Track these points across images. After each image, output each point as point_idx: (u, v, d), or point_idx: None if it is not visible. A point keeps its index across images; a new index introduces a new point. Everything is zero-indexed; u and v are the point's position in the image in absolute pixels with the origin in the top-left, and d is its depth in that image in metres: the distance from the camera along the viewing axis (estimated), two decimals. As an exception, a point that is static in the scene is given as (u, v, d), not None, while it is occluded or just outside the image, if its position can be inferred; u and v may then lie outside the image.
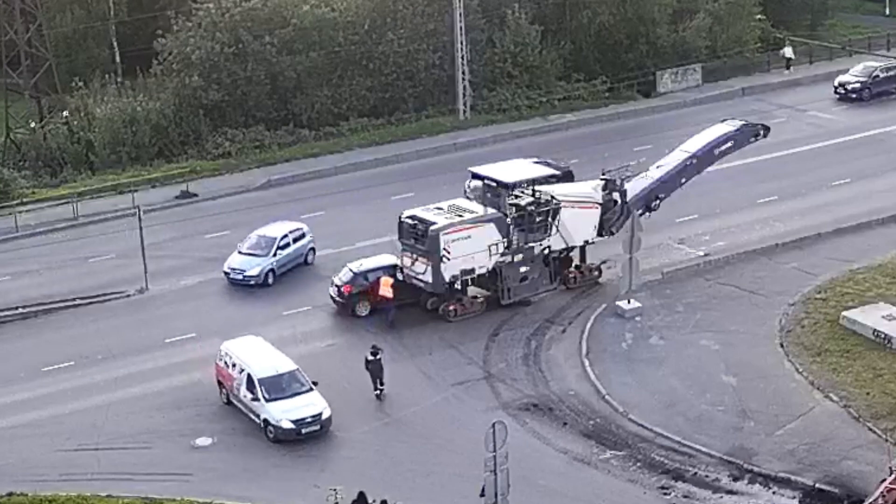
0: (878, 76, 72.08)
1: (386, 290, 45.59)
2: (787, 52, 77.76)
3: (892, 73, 72.85)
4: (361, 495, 33.86)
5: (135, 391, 42.02)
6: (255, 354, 40.62)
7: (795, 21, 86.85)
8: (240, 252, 50.07)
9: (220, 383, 41.18)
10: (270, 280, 49.47)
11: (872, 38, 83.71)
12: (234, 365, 40.31)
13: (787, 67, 77.57)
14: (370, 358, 41.10)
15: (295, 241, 50.85)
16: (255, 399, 39.13)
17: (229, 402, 40.59)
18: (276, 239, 50.03)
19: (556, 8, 75.99)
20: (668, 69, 75.44)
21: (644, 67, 75.27)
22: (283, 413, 38.49)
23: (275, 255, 49.69)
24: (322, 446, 38.18)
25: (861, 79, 71.78)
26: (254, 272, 49.11)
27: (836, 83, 72.32)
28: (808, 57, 80.00)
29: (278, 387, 39.30)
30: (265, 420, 38.78)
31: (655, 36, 75.59)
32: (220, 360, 41.05)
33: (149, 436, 39.14)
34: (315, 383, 39.83)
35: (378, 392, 41.01)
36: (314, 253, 51.60)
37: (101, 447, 38.63)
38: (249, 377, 39.47)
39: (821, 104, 71.41)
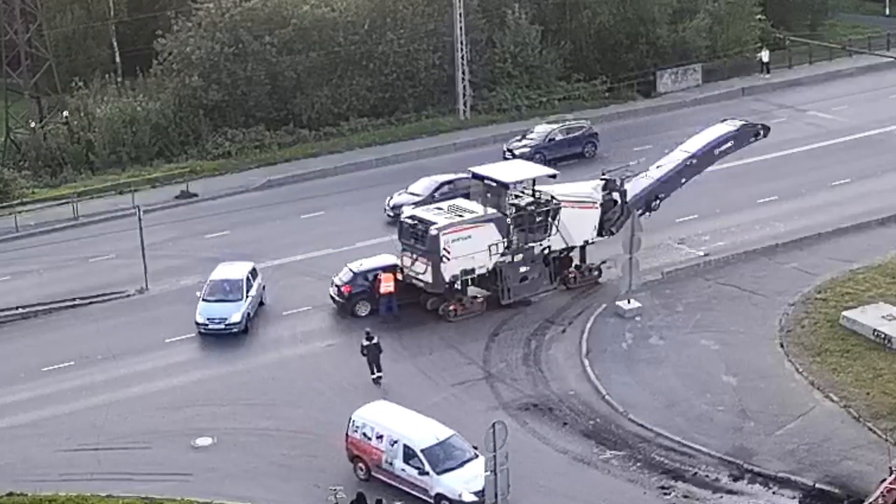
0: (554, 139, 62.72)
1: (388, 285, 45.63)
2: (764, 56, 77.31)
3: (573, 134, 63.47)
4: (361, 496, 33.85)
5: (135, 391, 42.01)
6: (404, 422, 36.04)
7: (795, 21, 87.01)
8: (205, 300, 45.61)
9: (355, 457, 36.33)
10: (248, 324, 45.62)
11: (872, 38, 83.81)
12: (378, 436, 35.56)
13: (763, 71, 77.06)
14: (365, 343, 41.58)
15: (253, 279, 46.93)
16: (423, 473, 34.63)
17: (369, 478, 35.88)
18: (241, 280, 45.82)
19: (556, 8, 76.06)
20: (668, 69, 75.51)
21: (644, 67, 75.36)
22: (462, 485, 34.24)
23: (247, 297, 45.63)
24: (322, 446, 38.14)
25: (533, 143, 62.51)
26: (236, 318, 44.84)
27: (505, 148, 62.78)
28: (808, 57, 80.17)
29: (444, 456, 34.94)
30: (439, 495, 34.42)
31: (655, 36, 75.65)
32: (355, 431, 36.23)
33: (149, 436, 39.11)
34: (475, 447, 35.17)
35: (375, 377, 41.46)
36: (265, 290, 47.86)
37: (101, 447, 38.60)
38: (407, 448, 34.89)
39: (821, 104, 71.43)
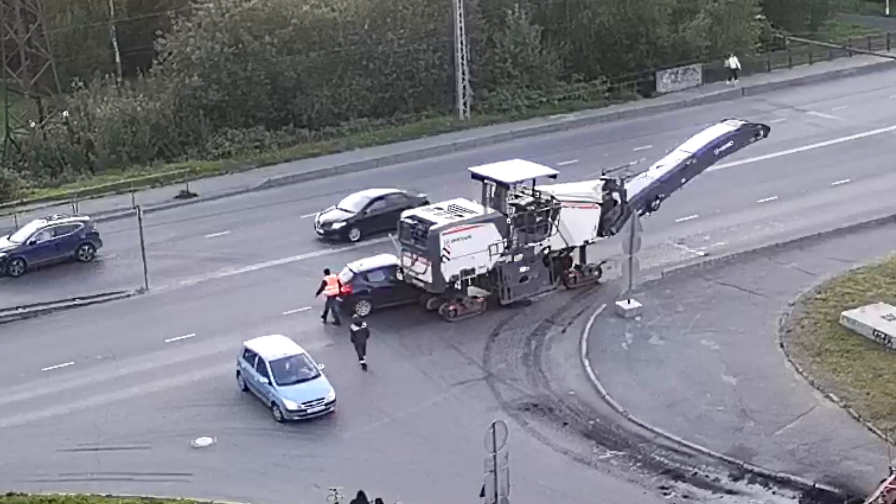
0: (37, 241, 51.93)
1: (332, 288, 45.90)
2: (732, 62, 75.93)
3: (63, 234, 52.44)
4: (361, 495, 33.84)
5: (135, 391, 42.00)
6: None
7: (795, 21, 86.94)
8: (283, 384, 39.59)
9: None
10: None
11: (872, 38, 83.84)
12: None
13: (730, 78, 75.72)
14: (355, 328, 42.50)
15: None
16: None
17: None
18: (304, 354, 41.17)
19: (556, 8, 76.00)
20: (668, 69, 75.48)
21: (644, 67, 75.31)
22: None
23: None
24: (322, 446, 38.18)
25: (10, 247, 51.84)
26: (332, 395, 39.89)
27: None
28: (808, 57, 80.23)
29: None
30: None
31: (655, 36, 75.60)
32: None
33: (149, 436, 39.11)
34: None
35: (363, 363, 42.54)
36: None
37: (101, 447, 38.60)
38: None
39: (821, 104, 71.43)
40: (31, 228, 52.74)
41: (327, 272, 46.28)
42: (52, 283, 50.76)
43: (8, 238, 52.69)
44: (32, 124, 68.70)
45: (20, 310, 48.14)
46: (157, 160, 65.40)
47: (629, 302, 45.76)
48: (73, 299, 48.88)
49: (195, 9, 69.19)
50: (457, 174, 54.48)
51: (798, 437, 37.54)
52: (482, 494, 32.24)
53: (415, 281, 46.06)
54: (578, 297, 47.51)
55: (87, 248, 52.83)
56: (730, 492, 35.34)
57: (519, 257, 46.63)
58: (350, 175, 62.46)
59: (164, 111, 66.73)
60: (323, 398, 39.79)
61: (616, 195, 48.78)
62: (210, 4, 68.46)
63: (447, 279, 45.49)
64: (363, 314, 45.93)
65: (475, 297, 46.67)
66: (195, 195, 60.55)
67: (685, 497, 35.20)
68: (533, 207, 47.00)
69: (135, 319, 47.46)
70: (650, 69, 75.27)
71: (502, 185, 46.57)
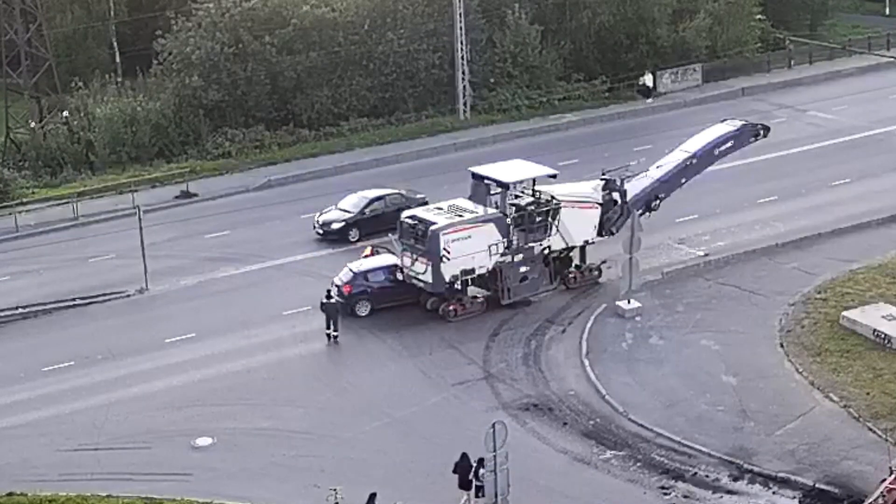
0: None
1: None
2: (647, 80, 74.52)
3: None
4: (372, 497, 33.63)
5: (135, 391, 42.00)
6: None
7: (795, 21, 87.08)
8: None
9: None
10: None
11: (872, 38, 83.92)
12: None
13: (647, 96, 73.89)
14: (324, 301, 43.86)
15: None
16: None
17: None
18: None
19: (556, 8, 76.06)
20: (668, 69, 75.50)
21: (644, 67, 75.31)
22: None
23: None
24: (322, 446, 38.18)
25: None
26: None
27: None
28: (808, 57, 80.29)
29: None
30: None
31: (655, 36, 75.67)
32: None
33: (149, 436, 39.10)
34: None
35: (332, 335, 43.87)
36: None
37: (101, 447, 38.59)
38: None
39: (821, 104, 71.44)
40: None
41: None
42: (53, 283, 50.72)
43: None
44: (32, 124, 68.72)
45: (20, 310, 48.14)
46: (157, 160, 65.45)
47: (629, 302, 45.76)
48: (73, 299, 48.88)
49: (195, 9, 69.22)
50: (457, 174, 54.56)
51: (798, 437, 37.54)
52: (483, 495, 32.22)
53: (415, 281, 46.07)
54: (578, 297, 47.51)
55: None
56: (730, 492, 35.33)
57: (519, 257, 46.63)
58: (350, 175, 62.52)
59: (164, 111, 66.77)
60: None
61: (616, 195, 48.80)
62: (210, 4, 68.49)
63: (447, 279, 45.49)
64: (362, 314, 46.02)
65: (475, 297, 46.66)
66: (195, 195, 60.57)
67: (685, 497, 35.19)
68: (533, 207, 47.01)
69: (135, 319, 47.47)
70: (650, 69, 75.23)
71: (502, 185, 46.60)
